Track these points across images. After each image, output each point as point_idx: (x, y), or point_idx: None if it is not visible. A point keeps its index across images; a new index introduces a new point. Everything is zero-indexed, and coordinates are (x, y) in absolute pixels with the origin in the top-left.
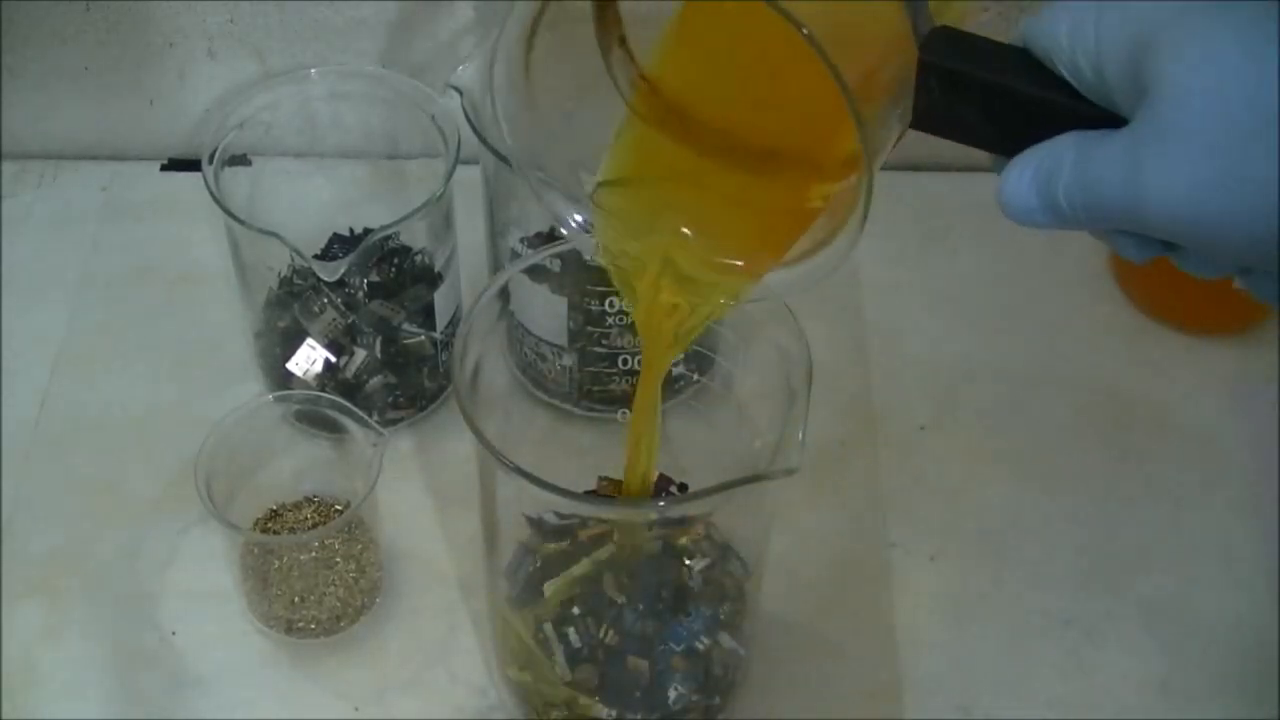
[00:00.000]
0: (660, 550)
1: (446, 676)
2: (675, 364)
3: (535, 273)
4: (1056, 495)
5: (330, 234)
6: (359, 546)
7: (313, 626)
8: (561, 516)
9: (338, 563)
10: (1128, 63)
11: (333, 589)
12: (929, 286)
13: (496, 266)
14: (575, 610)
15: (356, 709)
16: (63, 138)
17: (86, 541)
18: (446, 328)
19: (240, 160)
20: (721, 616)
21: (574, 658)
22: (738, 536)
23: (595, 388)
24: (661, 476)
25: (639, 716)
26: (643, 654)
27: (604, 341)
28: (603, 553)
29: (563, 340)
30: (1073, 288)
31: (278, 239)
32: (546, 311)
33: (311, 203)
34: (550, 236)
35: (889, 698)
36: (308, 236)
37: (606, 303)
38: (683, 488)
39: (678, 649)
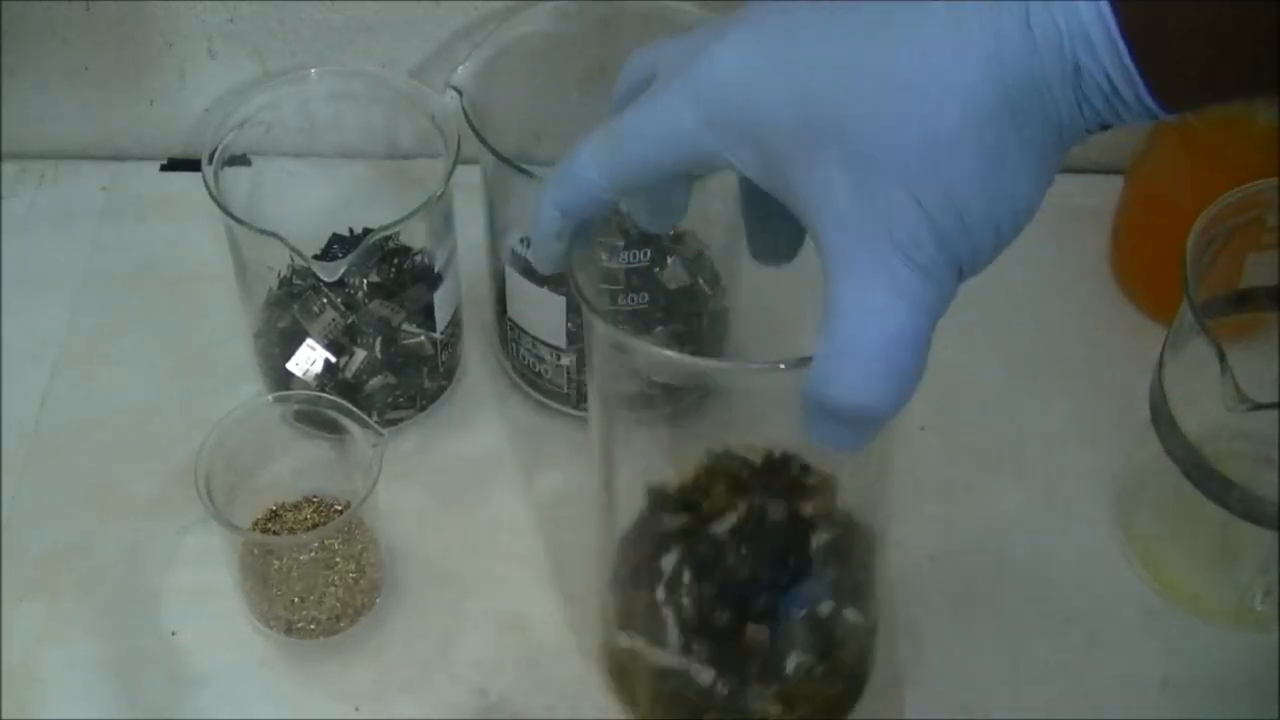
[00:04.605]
0: (785, 518)
1: (446, 676)
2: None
3: (534, 273)
4: (1056, 495)
5: (330, 234)
6: (359, 546)
7: (313, 627)
8: (683, 490)
9: (338, 563)
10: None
11: (333, 589)
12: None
13: (496, 266)
14: (691, 579)
15: (356, 709)
16: (63, 138)
17: (86, 541)
18: (446, 328)
19: (240, 160)
20: (845, 588)
21: (687, 627)
22: (862, 509)
23: None
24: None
25: (755, 687)
26: (761, 621)
27: None
28: (725, 523)
29: (561, 341)
30: (1073, 288)
31: (278, 239)
32: (545, 312)
33: (311, 203)
34: None
35: (889, 698)
36: (308, 236)
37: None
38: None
39: (799, 614)
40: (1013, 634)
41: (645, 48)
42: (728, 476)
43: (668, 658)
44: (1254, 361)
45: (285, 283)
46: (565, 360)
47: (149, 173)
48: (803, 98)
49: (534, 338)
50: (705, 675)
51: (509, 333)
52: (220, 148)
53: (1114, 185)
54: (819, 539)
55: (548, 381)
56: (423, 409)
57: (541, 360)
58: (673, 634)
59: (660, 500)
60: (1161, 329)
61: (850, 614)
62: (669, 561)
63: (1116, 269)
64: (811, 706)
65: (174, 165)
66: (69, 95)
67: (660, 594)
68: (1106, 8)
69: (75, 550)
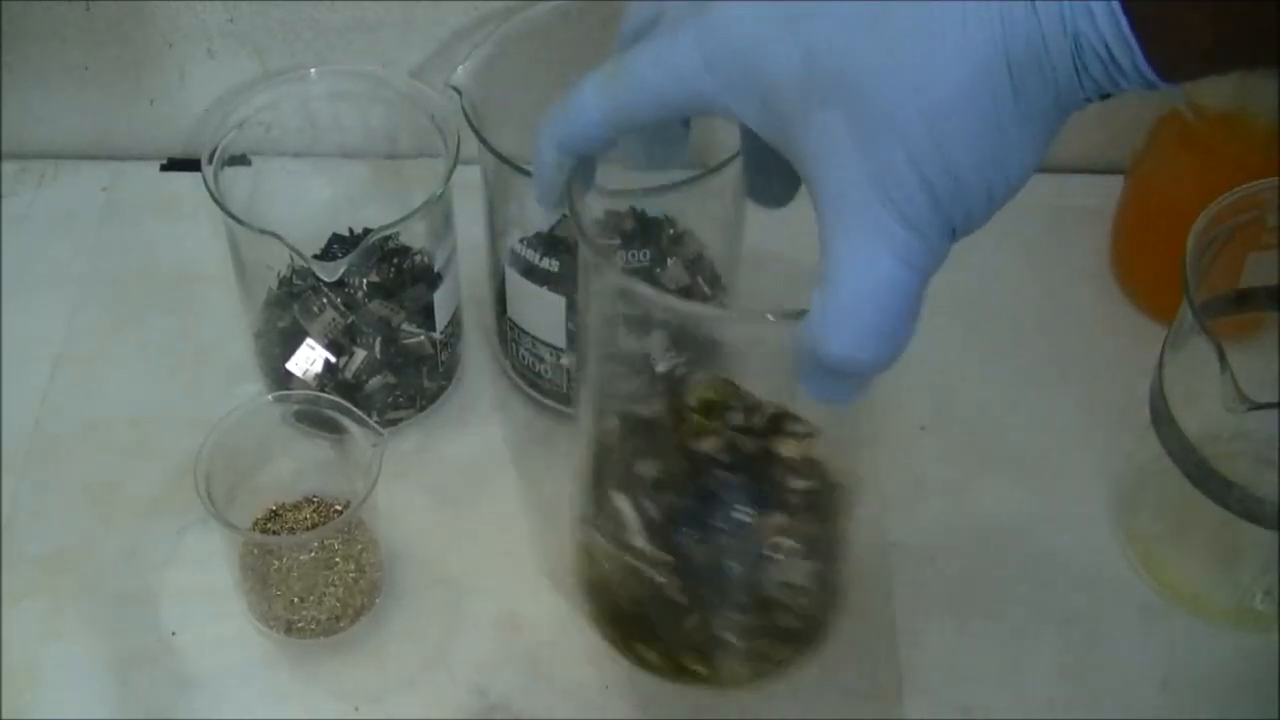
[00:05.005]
0: (763, 454)
1: (446, 676)
2: (678, 367)
3: (533, 273)
4: (1056, 495)
5: (330, 234)
6: (359, 546)
7: (312, 627)
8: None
9: (337, 563)
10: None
11: (332, 589)
12: (929, 286)
13: (496, 266)
14: (663, 487)
15: (356, 709)
16: (63, 138)
17: (86, 541)
18: (446, 328)
19: (240, 160)
20: (807, 537)
21: (651, 528)
22: (835, 463)
23: None
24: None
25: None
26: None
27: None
28: (707, 443)
29: (561, 341)
30: (1073, 288)
31: (277, 239)
32: (545, 312)
33: (311, 203)
34: (550, 236)
35: (889, 698)
36: (308, 236)
37: None
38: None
39: (733, 522)
40: (1013, 634)
41: None
42: (721, 404)
43: (632, 559)
44: (1254, 361)
45: (285, 283)
46: (565, 360)
47: (149, 173)
48: (810, 52)
49: (534, 338)
50: (667, 579)
51: (509, 333)
52: (220, 148)
53: (1114, 185)
54: (789, 480)
55: (548, 381)
56: (423, 409)
57: (541, 360)
58: (638, 537)
59: (641, 421)
60: (1161, 329)
61: (808, 563)
62: (646, 468)
63: (1116, 269)
64: (757, 646)
65: (174, 165)
66: (69, 95)
67: (634, 497)
68: None
69: (75, 550)
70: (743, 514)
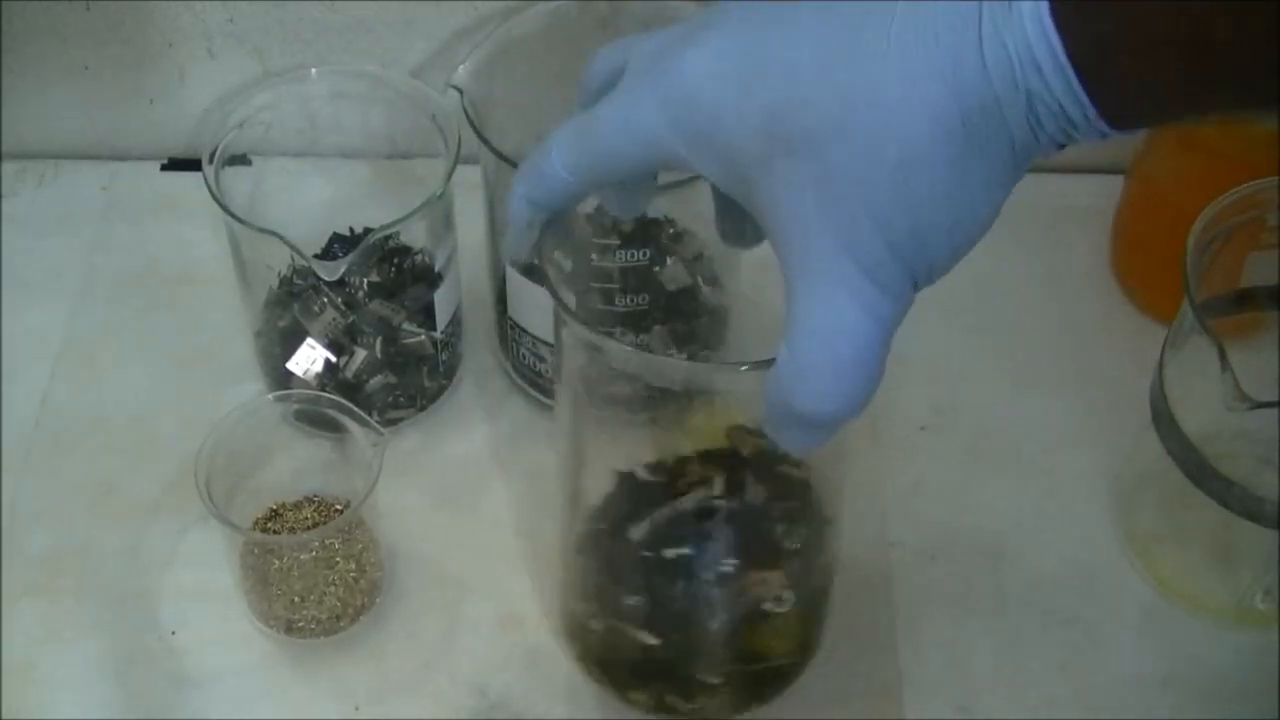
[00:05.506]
0: (758, 507)
1: (446, 676)
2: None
3: (534, 273)
4: (1056, 495)
5: (330, 234)
6: (359, 546)
7: (313, 626)
8: (652, 471)
9: (338, 563)
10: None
11: (333, 589)
12: (928, 288)
13: (497, 266)
14: (651, 550)
15: (356, 709)
16: (63, 138)
17: (86, 541)
18: (447, 327)
19: (240, 160)
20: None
21: (638, 594)
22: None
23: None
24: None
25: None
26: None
27: None
28: (693, 499)
29: None
30: (1073, 288)
31: (278, 239)
32: (545, 312)
33: (311, 203)
34: None
35: (889, 698)
36: (308, 236)
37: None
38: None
39: (712, 574)
40: (1013, 634)
41: (614, 44)
42: (708, 457)
43: (618, 624)
44: (1254, 361)
45: (286, 282)
46: None
47: (149, 173)
48: (769, 111)
49: (534, 338)
50: (647, 639)
51: (509, 333)
52: (220, 147)
53: (1114, 185)
54: (779, 528)
55: (548, 381)
56: (423, 409)
57: (541, 360)
58: (626, 602)
59: (631, 480)
60: (1161, 329)
61: (787, 596)
62: (637, 531)
63: (1116, 269)
64: (745, 678)
65: (174, 165)
66: (69, 95)
67: (621, 565)
68: (1056, 39)
69: (75, 550)
70: (729, 565)
